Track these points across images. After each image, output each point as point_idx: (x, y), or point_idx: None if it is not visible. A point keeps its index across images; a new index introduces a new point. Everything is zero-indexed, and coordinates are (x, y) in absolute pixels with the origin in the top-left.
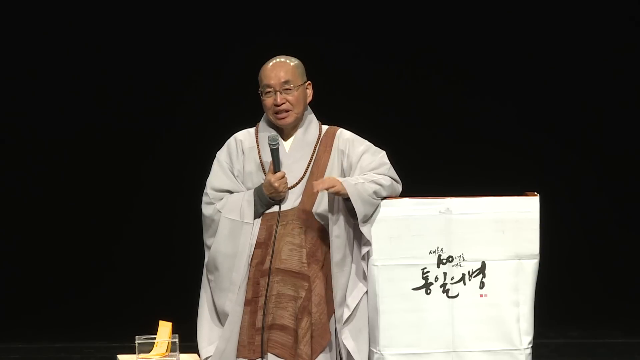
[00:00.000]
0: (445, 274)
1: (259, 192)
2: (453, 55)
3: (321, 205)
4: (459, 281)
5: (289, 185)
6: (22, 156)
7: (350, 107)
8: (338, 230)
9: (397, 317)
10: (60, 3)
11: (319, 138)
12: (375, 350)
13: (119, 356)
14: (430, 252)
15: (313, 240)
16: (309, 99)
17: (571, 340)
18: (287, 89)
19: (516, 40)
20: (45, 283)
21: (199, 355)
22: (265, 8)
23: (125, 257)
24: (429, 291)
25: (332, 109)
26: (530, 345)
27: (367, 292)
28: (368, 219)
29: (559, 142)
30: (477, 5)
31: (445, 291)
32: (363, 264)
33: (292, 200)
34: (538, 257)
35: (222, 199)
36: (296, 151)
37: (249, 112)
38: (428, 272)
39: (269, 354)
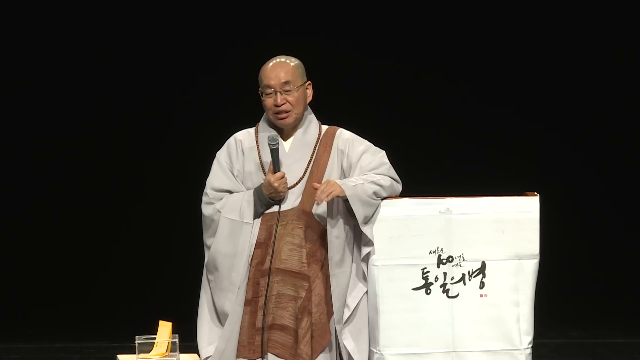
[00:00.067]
0: (445, 274)
1: (258, 192)
2: (453, 55)
3: (321, 205)
4: (459, 281)
5: (288, 185)
6: (22, 156)
7: (350, 107)
8: (337, 230)
9: (397, 317)
10: (60, 3)
11: (318, 138)
12: (375, 350)
13: (119, 356)
14: (430, 252)
15: (313, 240)
16: (309, 99)
17: (571, 340)
18: (287, 90)
19: (516, 41)
20: (46, 283)
21: (199, 355)
22: (266, 7)
23: (125, 257)
24: (429, 291)
25: (332, 109)
26: (530, 345)
27: (367, 292)
28: (369, 219)
29: (559, 142)
30: (477, 5)
31: (445, 291)
32: (363, 264)
33: (292, 200)
34: (538, 257)
35: (221, 199)
36: (296, 151)
37: (249, 112)
38: (428, 272)
39: (269, 354)
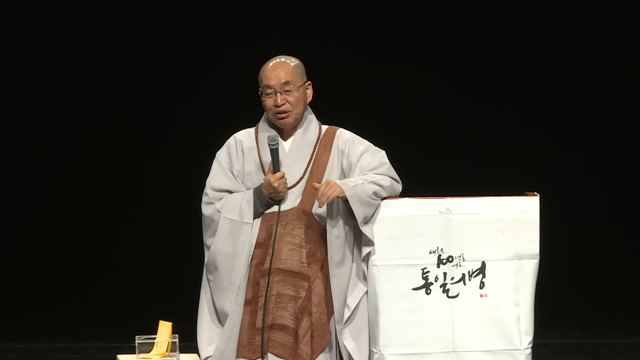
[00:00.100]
0: (445, 274)
1: (258, 192)
2: (453, 55)
3: (319, 205)
4: (459, 281)
5: (288, 185)
6: (22, 156)
7: (350, 107)
8: (337, 231)
9: (397, 317)
10: (61, 3)
11: (318, 138)
12: (375, 350)
13: (119, 356)
14: (430, 252)
15: (313, 240)
16: (309, 99)
17: (571, 340)
18: (287, 90)
19: (516, 41)
20: (46, 283)
21: (199, 355)
22: (266, 8)
23: (125, 257)
24: (429, 291)
25: (332, 109)
26: (530, 345)
27: (367, 292)
28: (369, 219)
29: (559, 142)
30: (478, 5)
31: (445, 291)
32: (363, 264)
33: (292, 200)
34: (538, 257)
35: (221, 198)
36: (296, 151)
37: (249, 112)
38: (428, 272)
39: (269, 354)
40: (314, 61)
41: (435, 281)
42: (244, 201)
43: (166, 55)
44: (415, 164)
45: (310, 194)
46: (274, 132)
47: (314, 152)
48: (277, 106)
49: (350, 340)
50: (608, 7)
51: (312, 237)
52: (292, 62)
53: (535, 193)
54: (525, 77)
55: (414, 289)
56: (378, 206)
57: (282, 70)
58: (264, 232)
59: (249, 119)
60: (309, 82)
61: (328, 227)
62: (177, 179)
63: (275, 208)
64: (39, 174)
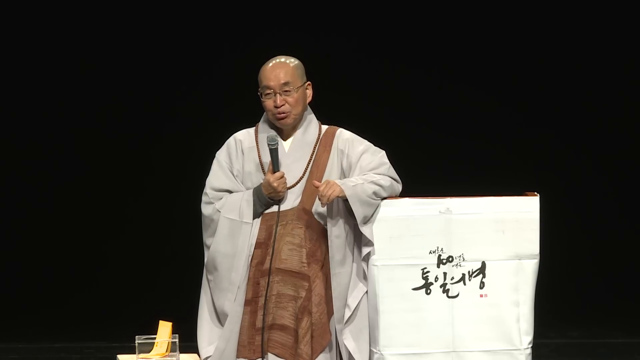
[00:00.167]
0: (445, 274)
1: (258, 192)
2: (453, 55)
3: (321, 205)
4: (459, 281)
5: (288, 185)
6: (22, 157)
7: (350, 107)
8: (338, 230)
9: (397, 317)
10: (59, 3)
11: (318, 138)
12: (375, 350)
13: (119, 356)
14: (430, 252)
15: (313, 240)
16: (309, 99)
17: (571, 340)
18: (286, 91)
19: (517, 41)
20: (46, 283)
21: (199, 355)
22: (266, 7)
23: (125, 257)
24: (429, 291)
25: (332, 109)
26: (530, 345)
27: (367, 292)
28: (368, 219)
29: (559, 142)
30: (478, 5)
31: (445, 291)
32: (363, 264)
33: (292, 200)
34: (538, 257)
35: (221, 198)
36: (296, 151)
37: (249, 112)
38: (428, 272)
39: (269, 354)
40: (314, 61)
41: (435, 281)
42: (244, 201)
43: (166, 55)
44: (415, 164)
45: (310, 193)
46: (273, 132)
47: (313, 152)
48: (276, 107)
49: (351, 340)
50: (609, 6)
51: (312, 237)
52: (292, 62)
53: (535, 193)
54: (526, 77)
55: (414, 289)
56: (378, 206)
57: (281, 71)
58: (263, 232)
59: (249, 119)
60: (309, 82)
61: (329, 227)
62: (177, 179)
63: (275, 208)
64: (38, 174)
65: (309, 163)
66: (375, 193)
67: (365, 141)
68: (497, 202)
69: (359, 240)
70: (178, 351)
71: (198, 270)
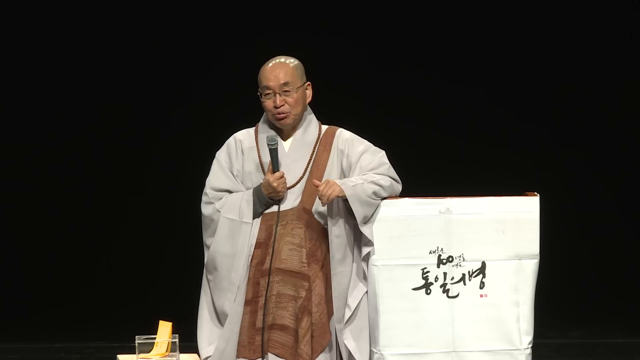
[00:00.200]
0: (445, 274)
1: (257, 192)
2: (453, 55)
3: (321, 204)
4: (459, 281)
5: (288, 185)
6: (21, 157)
7: (350, 107)
8: (338, 230)
9: (397, 317)
10: (59, 3)
11: (318, 138)
12: (375, 350)
13: (119, 356)
14: (430, 252)
15: (313, 240)
16: (309, 99)
17: (571, 340)
18: (286, 91)
19: (517, 41)
20: (45, 283)
21: (199, 355)
22: (266, 7)
23: (125, 257)
24: (429, 291)
25: (332, 109)
26: (530, 345)
27: (367, 292)
28: (368, 219)
29: (559, 142)
30: (478, 5)
31: (445, 291)
32: (363, 264)
33: (292, 200)
34: (538, 257)
35: (221, 198)
36: (295, 151)
37: (249, 112)
38: (428, 272)
39: (269, 354)
40: (314, 61)
41: (435, 281)
42: (244, 201)
43: (166, 55)
44: (415, 164)
45: (310, 193)
46: (273, 132)
47: (313, 152)
48: (276, 107)
49: (351, 340)
50: (609, 6)
51: (312, 237)
52: (292, 62)
53: (535, 193)
54: (525, 77)
55: (414, 289)
56: (378, 206)
57: (281, 71)
58: (264, 232)
59: (249, 119)
60: (309, 82)
61: (329, 226)
62: (177, 179)
63: (275, 208)
64: (38, 174)
65: (308, 163)
66: (375, 193)
67: (365, 141)
68: (497, 202)
69: (359, 240)
70: (178, 351)
71: (198, 270)
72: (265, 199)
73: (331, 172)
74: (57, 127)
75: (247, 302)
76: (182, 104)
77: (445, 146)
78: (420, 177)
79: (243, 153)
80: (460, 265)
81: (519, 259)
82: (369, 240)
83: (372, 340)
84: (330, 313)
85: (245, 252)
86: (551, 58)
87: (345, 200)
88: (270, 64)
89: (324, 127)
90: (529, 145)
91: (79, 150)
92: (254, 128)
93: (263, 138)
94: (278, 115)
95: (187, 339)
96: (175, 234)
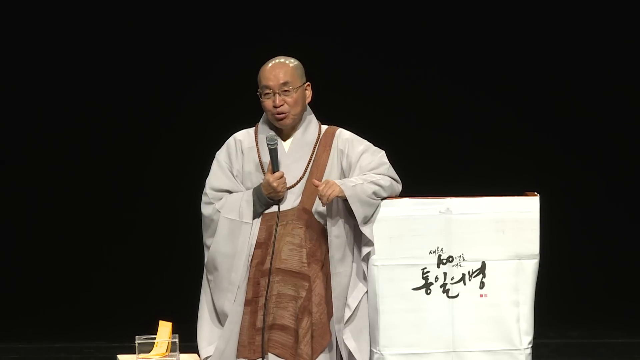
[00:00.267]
0: (445, 274)
1: (257, 192)
2: (453, 55)
3: (321, 204)
4: (459, 281)
5: (288, 185)
6: (21, 157)
7: (350, 107)
8: (337, 230)
9: (397, 317)
10: (60, 3)
11: (318, 138)
12: (375, 350)
13: (119, 356)
14: (430, 252)
15: (313, 240)
16: (308, 99)
17: (571, 340)
18: (285, 91)
19: (517, 41)
20: (45, 283)
21: (199, 355)
22: (266, 8)
23: (125, 257)
24: (429, 291)
25: (332, 109)
26: (530, 345)
27: (367, 292)
28: (368, 219)
29: (559, 142)
30: (479, 5)
31: (446, 291)
32: (363, 264)
33: (292, 200)
34: (538, 257)
35: (221, 198)
36: (295, 151)
37: (248, 112)
38: (428, 272)
39: (269, 354)
40: (314, 61)
41: (435, 281)
42: (244, 201)
43: (165, 55)
44: (415, 164)
45: (310, 193)
46: (272, 133)
47: (313, 152)
48: (275, 107)
49: (352, 340)
50: (609, 5)
51: (312, 237)
52: (291, 62)
53: (535, 193)
54: (525, 77)
55: (414, 289)
56: (378, 206)
57: (280, 71)
58: (264, 232)
59: (249, 119)
60: (308, 82)
61: (328, 226)
62: (177, 179)
63: (275, 208)
64: (38, 174)
65: (308, 163)
66: (375, 193)
67: (365, 141)
68: (497, 202)
69: (359, 240)
70: (178, 351)
71: (198, 271)
72: (265, 199)
73: (331, 172)
74: (57, 127)
75: (247, 302)
76: (182, 104)
77: (445, 146)
78: (420, 177)
79: (243, 153)
80: (460, 265)
81: (519, 259)
82: (369, 240)
83: (372, 340)
84: (330, 313)
85: (245, 252)
86: (552, 58)
87: (345, 201)
88: (270, 64)
89: (324, 127)
90: (529, 145)
91: (79, 150)
92: (253, 128)
93: (263, 138)
94: (277, 115)
95: (187, 339)
96: (175, 234)
